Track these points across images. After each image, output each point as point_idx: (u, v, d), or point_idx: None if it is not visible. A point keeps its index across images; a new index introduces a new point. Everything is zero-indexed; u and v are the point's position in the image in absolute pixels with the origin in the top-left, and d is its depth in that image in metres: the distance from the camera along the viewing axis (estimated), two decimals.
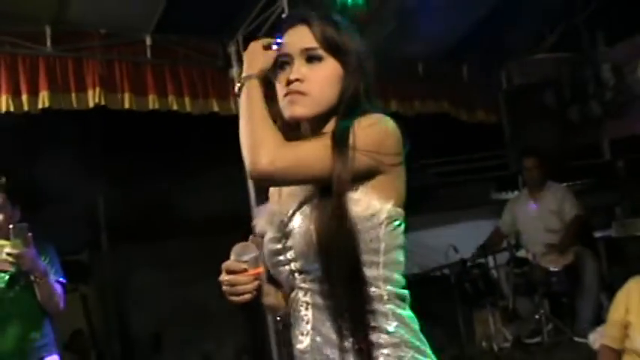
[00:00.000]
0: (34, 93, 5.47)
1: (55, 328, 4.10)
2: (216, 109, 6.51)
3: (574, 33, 8.63)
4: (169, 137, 8.15)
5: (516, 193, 8.58)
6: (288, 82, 1.90)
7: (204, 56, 6.61)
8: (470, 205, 9.25)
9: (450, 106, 8.38)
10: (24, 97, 5.41)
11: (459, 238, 7.42)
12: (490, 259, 7.38)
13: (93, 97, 5.82)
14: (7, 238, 3.73)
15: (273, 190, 2.06)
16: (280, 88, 1.94)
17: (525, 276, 6.91)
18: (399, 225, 1.83)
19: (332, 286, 1.77)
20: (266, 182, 1.87)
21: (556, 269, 6.79)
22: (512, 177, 8.91)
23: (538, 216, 7.19)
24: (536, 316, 6.85)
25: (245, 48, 6.53)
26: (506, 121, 9.22)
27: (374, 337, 1.75)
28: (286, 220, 1.86)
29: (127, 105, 6.01)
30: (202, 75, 6.51)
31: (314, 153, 1.76)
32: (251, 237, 1.97)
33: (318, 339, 1.82)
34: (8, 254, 3.68)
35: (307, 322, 1.84)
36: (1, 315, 3.82)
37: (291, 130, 1.94)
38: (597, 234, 7.90)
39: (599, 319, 6.32)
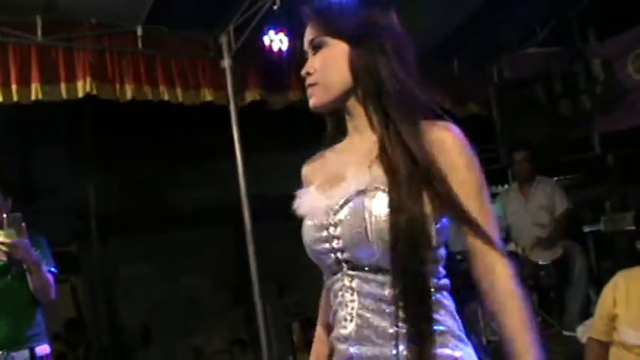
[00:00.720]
0: (25, 84, 5.45)
1: (46, 318, 4.10)
2: (209, 98, 6.51)
3: (565, 28, 8.66)
4: (160, 129, 8.15)
5: (506, 186, 8.60)
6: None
7: (196, 47, 6.60)
8: None
9: (440, 99, 8.40)
10: (14, 88, 5.39)
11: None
12: None
13: (83, 87, 5.80)
14: (1, 228, 3.73)
15: (311, 175, 2.04)
16: None
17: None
18: (444, 223, 1.87)
19: (394, 277, 1.76)
20: None
21: (545, 263, 6.82)
22: (501, 170, 8.93)
23: (527, 210, 7.21)
24: None
25: (237, 39, 6.51)
26: (496, 115, 9.26)
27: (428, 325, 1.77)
28: (336, 209, 1.84)
29: (118, 95, 5.99)
30: (194, 66, 6.50)
31: None
32: None
33: (364, 324, 1.81)
34: (1, 243, 3.68)
35: (352, 308, 1.83)
36: None
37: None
38: (586, 228, 7.94)
39: (587, 312, 6.35)
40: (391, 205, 1.74)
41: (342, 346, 1.85)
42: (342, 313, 1.85)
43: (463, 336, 1.87)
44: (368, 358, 1.80)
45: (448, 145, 1.81)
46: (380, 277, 1.79)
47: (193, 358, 9.04)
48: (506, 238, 7.39)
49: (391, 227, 1.73)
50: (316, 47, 1.92)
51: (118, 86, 5.98)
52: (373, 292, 1.80)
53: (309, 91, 1.92)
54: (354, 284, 1.83)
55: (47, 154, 8.21)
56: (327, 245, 1.85)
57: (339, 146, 1.98)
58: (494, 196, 8.13)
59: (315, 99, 1.91)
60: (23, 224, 3.73)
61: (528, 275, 6.81)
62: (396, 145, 1.79)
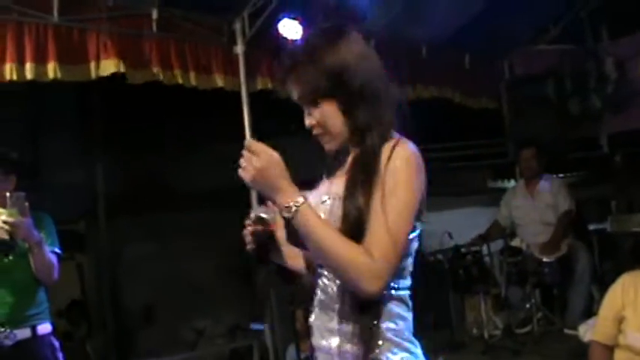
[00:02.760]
0: (41, 62, 5.46)
1: (49, 297, 4.11)
2: (220, 84, 6.52)
3: (577, 26, 8.65)
4: (169, 110, 8.15)
5: (512, 182, 8.62)
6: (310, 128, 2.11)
7: (210, 32, 6.61)
8: (466, 192, 9.28)
9: (451, 92, 8.41)
10: (28, 66, 5.40)
11: (454, 225, 7.46)
12: (484, 246, 7.42)
13: (97, 69, 5.82)
14: (4, 207, 3.73)
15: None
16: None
17: (518, 265, 6.96)
18: (413, 238, 2.04)
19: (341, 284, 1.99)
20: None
21: (549, 260, 6.83)
22: (509, 165, 8.94)
23: (534, 208, 7.22)
24: (527, 306, 6.91)
25: (251, 25, 6.47)
26: (506, 110, 9.26)
27: (373, 329, 1.95)
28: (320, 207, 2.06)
29: (133, 77, 6.01)
30: (207, 51, 6.51)
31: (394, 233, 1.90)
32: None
33: (317, 319, 2.08)
34: (4, 222, 3.68)
35: (315, 302, 2.10)
36: None
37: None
38: (591, 227, 7.94)
39: (589, 311, 6.37)
40: (343, 211, 1.95)
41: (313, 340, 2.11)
42: (312, 305, 2.11)
43: (414, 349, 2.02)
44: (320, 348, 2.07)
45: (398, 160, 1.95)
46: (331, 276, 2.03)
47: (195, 340, 9.06)
48: (512, 234, 7.42)
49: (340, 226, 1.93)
50: (312, 102, 2.07)
51: (131, 68, 5.99)
52: (325, 289, 2.05)
53: (320, 139, 2.11)
54: (321, 282, 2.08)
55: (56, 133, 8.21)
56: None
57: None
58: (501, 190, 8.15)
59: (328, 146, 2.11)
60: (26, 203, 3.72)
61: (531, 271, 6.84)
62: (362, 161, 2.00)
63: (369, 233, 1.89)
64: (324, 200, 2.08)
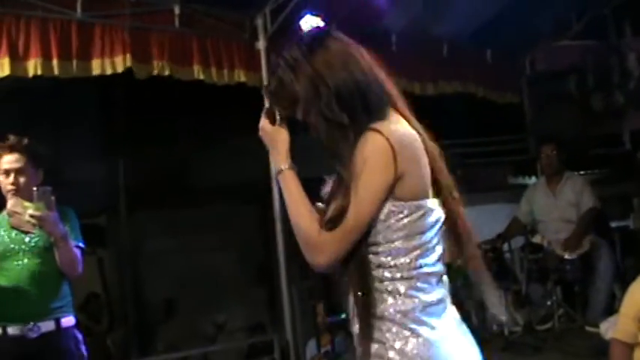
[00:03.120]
0: (66, 58, 5.51)
1: (72, 291, 4.15)
2: (242, 79, 6.54)
3: (601, 21, 8.59)
4: (189, 106, 8.19)
5: (533, 178, 8.58)
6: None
7: (231, 28, 6.63)
8: (487, 188, 9.26)
9: (472, 88, 8.39)
10: (55, 62, 5.46)
11: (474, 221, 7.42)
12: (505, 243, 7.40)
13: (118, 64, 5.86)
14: (30, 200, 3.78)
15: None
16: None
17: (539, 262, 6.94)
18: (404, 217, 2.08)
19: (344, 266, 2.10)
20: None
21: (570, 257, 6.80)
22: (530, 162, 8.91)
23: (555, 206, 7.18)
24: (548, 303, 6.89)
25: (272, 21, 6.50)
26: (527, 106, 9.23)
27: (371, 309, 2.06)
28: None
29: (155, 71, 6.05)
30: (229, 47, 6.54)
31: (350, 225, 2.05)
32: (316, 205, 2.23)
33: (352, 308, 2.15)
34: (31, 216, 3.74)
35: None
36: (20, 276, 3.89)
37: None
38: (614, 224, 7.89)
39: (611, 308, 6.34)
40: (328, 199, 2.15)
41: None
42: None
43: (414, 326, 2.05)
44: (354, 336, 2.15)
45: (361, 148, 2.06)
46: None
47: (215, 334, 9.11)
48: (533, 230, 7.39)
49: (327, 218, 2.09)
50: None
51: (154, 63, 6.03)
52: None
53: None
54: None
55: (79, 127, 8.28)
56: None
57: None
58: (522, 187, 8.12)
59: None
60: (52, 197, 3.77)
61: (553, 268, 6.81)
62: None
63: None
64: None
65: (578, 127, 8.65)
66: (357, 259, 2.07)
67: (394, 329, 2.03)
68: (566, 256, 6.79)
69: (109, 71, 5.85)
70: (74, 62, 5.55)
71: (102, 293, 8.72)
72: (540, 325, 6.88)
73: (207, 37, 6.41)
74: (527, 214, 7.45)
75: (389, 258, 2.06)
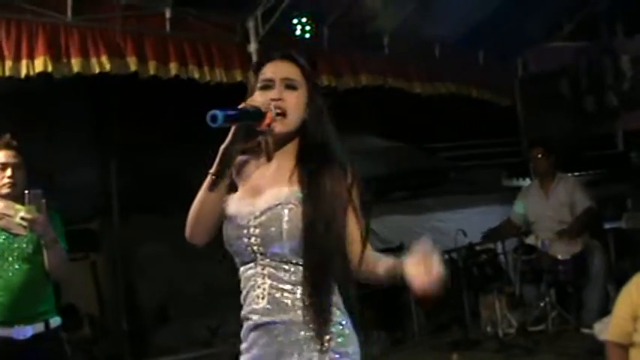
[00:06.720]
0: (56, 59, 5.49)
1: (57, 294, 4.18)
2: (239, 78, 6.53)
3: (592, 22, 8.60)
4: (183, 109, 8.17)
5: (527, 180, 8.58)
6: (272, 100, 2.37)
7: (223, 31, 6.62)
8: (480, 190, 9.26)
9: (464, 90, 8.39)
10: (42, 60, 5.43)
11: (468, 223, 7.44)
12: (498, 244, 7.40)
13: (106, 66, 5.83)
14: (22, 199, 3.79)
15: (239, 171, 2.59)
16: (260, 101, 2.38)
17: (533, 263, 6.93)
18: None
19: (306, 271, 2.32)
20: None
21: (564, 258, 6.80)
22: (523, 164, 8.91)
23: (548, 207, 7.18)
24: (542, 304, 6.88)
25: (264, 24, 6.52)
26: (520, 108, 9.23)
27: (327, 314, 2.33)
28: (257, 215, 2.36)
29: (151, 71, 6.04)
30: (220, 50, 6.52)
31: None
32: None
33: (273, 301, 2.35)
34: (22, 219, 3.75)
35: (264, 289, 2.37)
36: (12, 280, 3.89)
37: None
38: (607, 225, 7.89)
39: (605, 309, 6.33)
40: (305, 212, 2.31)
41: (255, 317, 2.37)
42: (254, 293, 2.38)
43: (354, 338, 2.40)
44: (281, 322, 2.33)
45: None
46: (286, 267, 2.34)
47: (209, 338, 9.08)
48: (527, 231, 7.39)
49: (304, 229, 2.29)
50: (290, 86, 2.41)
51: (151, 64, 6.02)
52: (282, 277, 2.34)
53: (277, 118, 2.36)
54: (265, 271, 2.37)
55: (70, 131, 8.25)
56: (245, 241, 2.38)
57: (262, 160, 2.50)
58: (515, 189, 8.12)
59: (281, 127, 2.38)
60: (43, 200, 3.78)
61: (546, 270, 6.81)
62: (327, 174, 2.34)
63: None
64: (276, 204, 2.35)
65: (570, 129, 8.66)
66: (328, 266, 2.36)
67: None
68: (560, 257, 6.79)
69: (95, 70, 5.79)
70: (64, 62, 5.52)
71: (95, 297, 8.69)
72: (534, 327, 6.88)
73: (199, 40, 6.39)
74: (520, 216, 7.45)
75: None
